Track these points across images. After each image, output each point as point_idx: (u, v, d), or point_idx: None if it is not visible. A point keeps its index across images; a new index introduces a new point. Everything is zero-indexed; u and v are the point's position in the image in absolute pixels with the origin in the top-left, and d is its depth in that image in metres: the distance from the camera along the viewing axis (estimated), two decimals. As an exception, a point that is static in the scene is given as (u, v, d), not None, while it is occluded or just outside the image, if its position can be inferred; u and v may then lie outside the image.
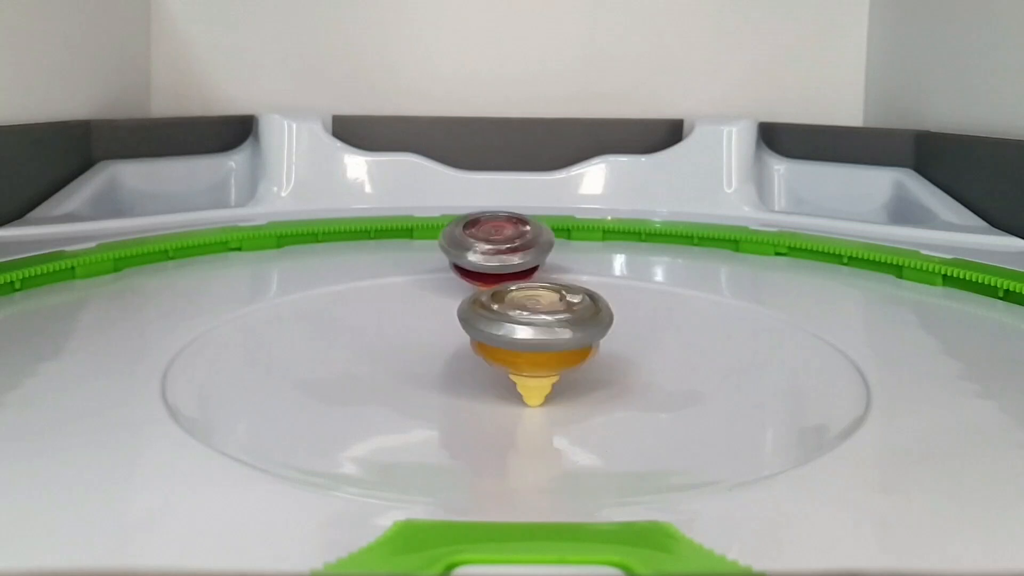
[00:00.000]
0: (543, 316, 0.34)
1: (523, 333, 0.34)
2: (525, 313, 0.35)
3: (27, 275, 0.51)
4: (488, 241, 0.52)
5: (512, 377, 0.36)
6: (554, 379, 0.36)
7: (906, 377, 0.39)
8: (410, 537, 0.23)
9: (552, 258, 0.66)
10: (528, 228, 0.54)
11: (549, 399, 0.36)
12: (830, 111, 0.91)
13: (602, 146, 0.84)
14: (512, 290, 0.38)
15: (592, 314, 0.35)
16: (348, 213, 0.74)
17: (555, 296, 0.37)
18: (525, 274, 0.53)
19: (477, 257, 0.51)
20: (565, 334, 0.34)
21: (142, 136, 0.78)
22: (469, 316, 0.36)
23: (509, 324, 0.34)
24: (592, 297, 0.37)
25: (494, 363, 0.36)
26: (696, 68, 0.93)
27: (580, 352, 0.35)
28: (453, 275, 0.54)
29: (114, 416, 0.33)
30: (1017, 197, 0.65)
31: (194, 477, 0.28)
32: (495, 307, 0.35)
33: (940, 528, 0.25)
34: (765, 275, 0.63)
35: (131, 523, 0.25)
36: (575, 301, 0.36)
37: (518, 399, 0.36)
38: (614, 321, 0.36)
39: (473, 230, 0.54)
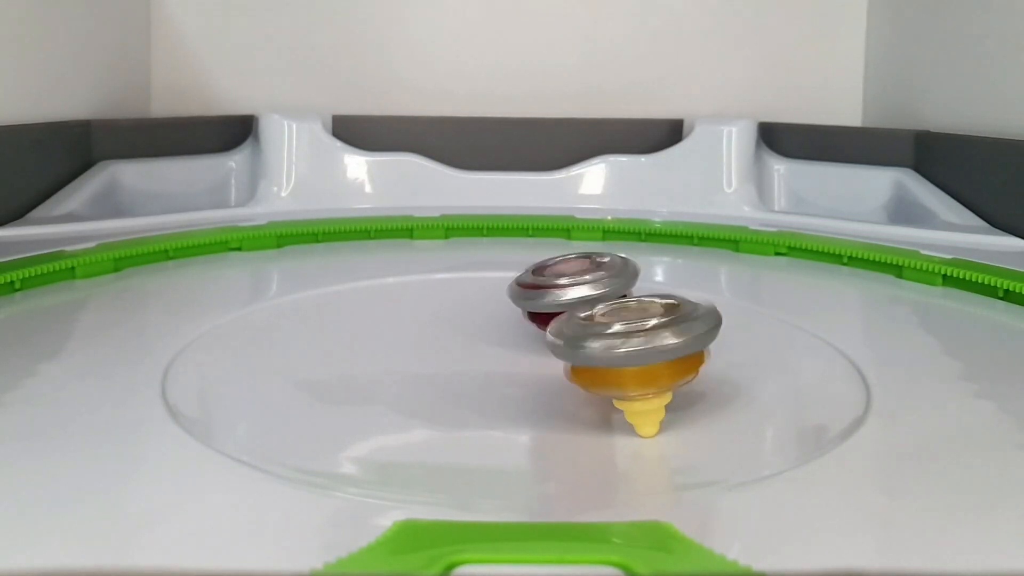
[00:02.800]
0: (645, 322, 0.31)
1: (633, 344, 0.30)
2: (623, 325, 0.30)
3: (27, 275, 0.51)
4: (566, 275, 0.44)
5: (618, 404, 0.32)
6: (667, 398, 0.32)
7: (906, 377, 0.39)
8: (410, 537, 0.23)
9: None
10: (608, 260, 0.46)
11: (550, 400, 0.36)
12: (830, 111, 0.91)
13: (602, 146, 0.84)
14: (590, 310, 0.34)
15: (691, 312, 0.31)
16: (348, 213, 0.74)
17: (634, 303, 0.33)
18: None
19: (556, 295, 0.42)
20: (672, 339, 0.30)
21: (142, 136, 0.78)
22: (566, 336, 0.31)
23: (612, 339, 0.30)
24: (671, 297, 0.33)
25: (596, 390, 0.32)
26: (696, 68, 0.93)
27: (695, 359, 0.31)
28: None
29: (114, 416, 0.33)
30: (1017, 197, 0.65)
31: (194, 477, 0.28)
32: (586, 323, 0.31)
33: (940, 528, 0.25)
34: (765, 275, 0.63)
35: (131, 523, 0.25)
36: (664, 303, 0.32)
37: (518, 399, 0.36)
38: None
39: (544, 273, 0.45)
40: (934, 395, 0.37)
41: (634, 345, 0.30)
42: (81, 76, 0.76)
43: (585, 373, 0.32)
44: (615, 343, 0.30)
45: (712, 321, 0.31)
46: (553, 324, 0.33)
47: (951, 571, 0.23)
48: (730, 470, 0.31)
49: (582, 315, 0.33)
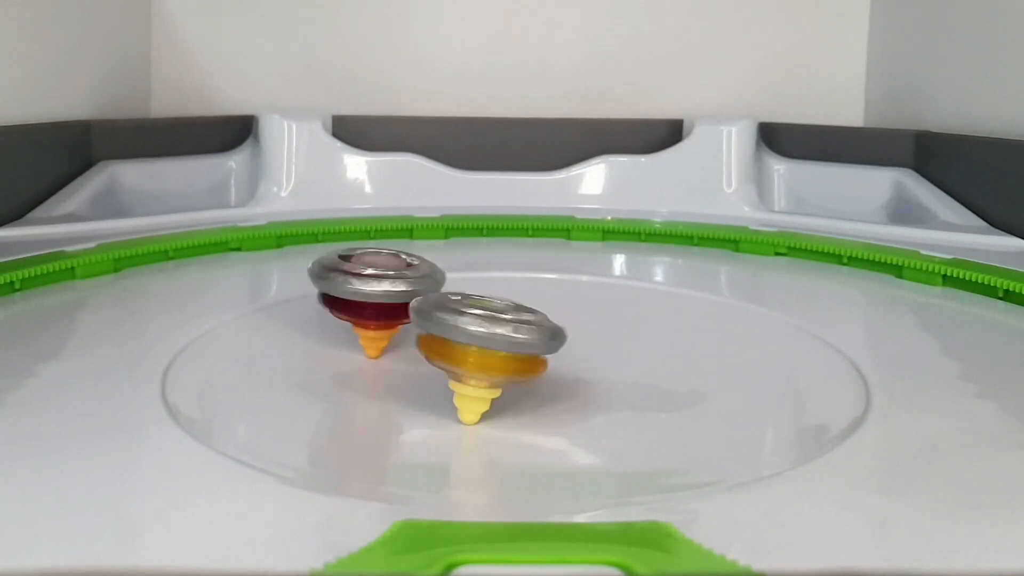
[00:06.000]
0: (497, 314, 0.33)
1: (476, 326, 0.32)
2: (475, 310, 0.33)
3: (27, 275, 0.51)
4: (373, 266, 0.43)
5: (451, 385, 0.34)
6: (496, 393, 0.34)
7: (906, 377, 0.39)
8: (410, 537, 0.23)
9: (553, 258, 0.66)
10: (417, 263, 0.44)
11: (550, 399, 0.36)
12: (830, 111, 0.91)
13: (602, 146, 0.84)
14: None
15: (544, 321, 0.34)
16: (348, 213, 0.74)
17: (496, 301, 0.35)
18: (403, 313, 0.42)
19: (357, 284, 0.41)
20: (520, 335, 0.32)
21: (142, 136, 0.78)
22: (427, 303, 0.34)
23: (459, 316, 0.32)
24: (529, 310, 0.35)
25: (437, 360, 0.33)
26: (696, 68, 0.93)
27: (535, 361, 0.33)
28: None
29: (114, 416, 0.33)
30: (1017, 197, 0.65)
31: (194, 477, 0.28)
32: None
33: (940, 528, 0.25)
34: (765, 275, 0.63)
35: (131, 523, 0.25)
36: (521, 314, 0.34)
37: (518, 399, 0.36)
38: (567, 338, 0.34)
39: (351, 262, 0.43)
40: (934, 395, 0.37)
41: (482, 327, 0.32)
42: (81, 76, 0.76)
43: (431, 342, 0.33)
44: (466, 320, 0.32)
45: (560, 335, 0.34)
46: (424, 296, 0.35)
47: (951, 571, 0.23)
48: (730, 470, 0.31)
49: (453, 295, 0.35)
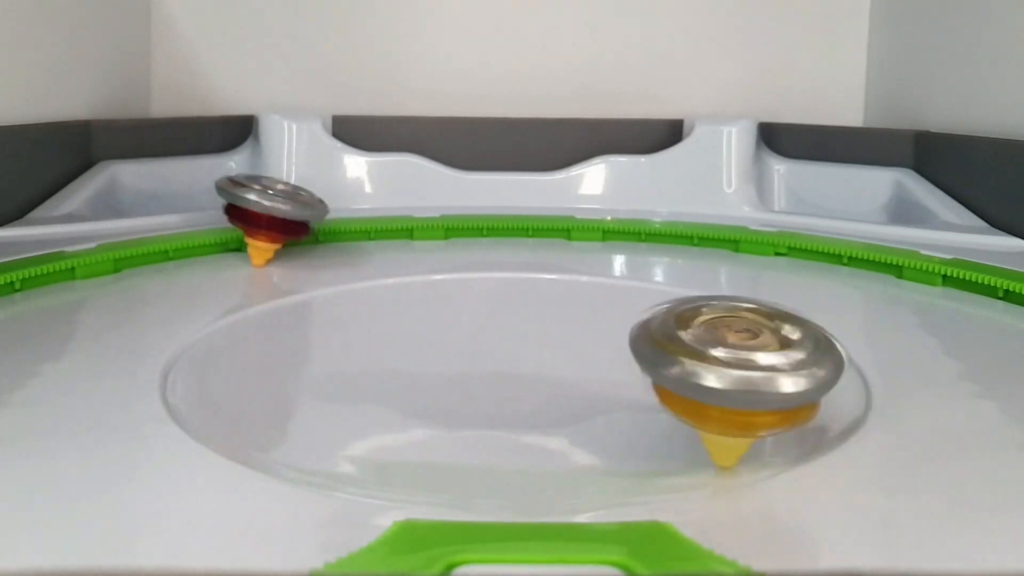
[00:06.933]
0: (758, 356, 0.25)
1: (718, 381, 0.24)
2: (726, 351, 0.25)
3: (27, 275, 0.51)
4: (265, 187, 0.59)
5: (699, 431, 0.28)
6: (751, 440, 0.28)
7: (906, 377, 0.39)
8: (410, 537, 0.23)
9: (553, 258, 0.66)
10: (305, 196, 0.61)
11: (550, 400, 0.36)
12: (830, 111, 0.91)
13: (602, 146, 0.84)
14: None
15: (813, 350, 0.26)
16: (348, 213, 0.74)
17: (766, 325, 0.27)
18: (297, 233, 0.60)
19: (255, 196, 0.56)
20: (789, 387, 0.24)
21: (142, 136, 0.77)
22: (647, 351, 0.26)
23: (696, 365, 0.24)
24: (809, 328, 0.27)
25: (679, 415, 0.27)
26: (696, 68, 0.93)
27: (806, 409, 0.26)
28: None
29: (114, 416, 0.33)
30: (1017, 197, 0.65)
31: (194, 477, 0.28)
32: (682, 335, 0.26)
33: (940, 528, 0.25)
34: (765, 275, 0.63)
35: (131, 523, 0.25)
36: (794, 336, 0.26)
37: (518, 399, 0.36)
38: None
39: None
40: (934, 395, 0.37)
41: (728, 379, 0.24)
42: (81, 76, 0.76)
43: (666, 395, 0.26)
44: (707, 373, 0.24)
45: (837, 367, 0.25)
46: (643, 319, 0.28)
47: (951, 571, 0.23)
48: (730, 470, 0.31)
49: (678, 314, 0.27)
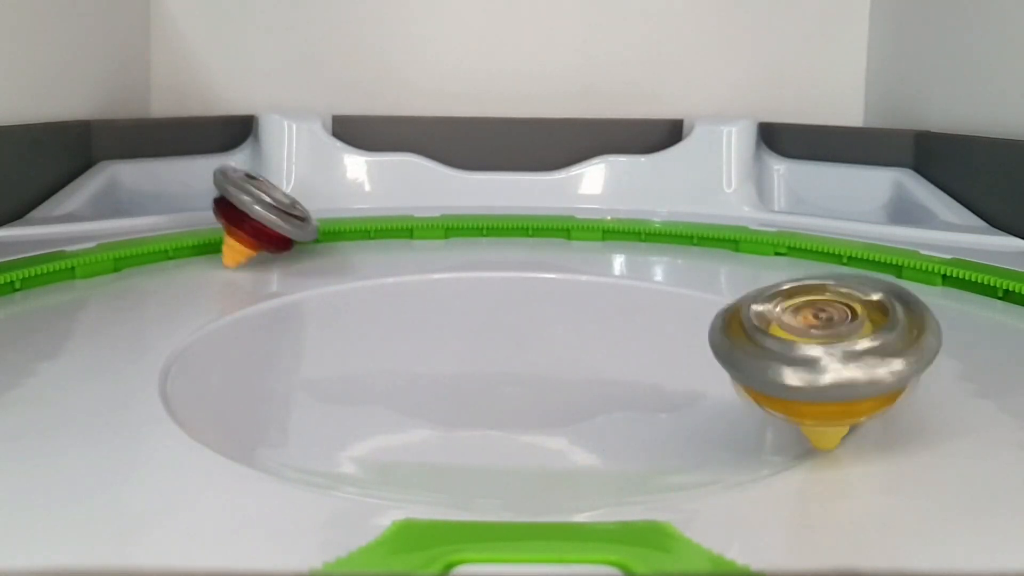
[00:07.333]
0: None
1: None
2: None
3: (27, 275, 0.51)
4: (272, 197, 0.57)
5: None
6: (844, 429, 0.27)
7: (906, 377, 0.39)
8: (409, 537, 0.23)
9: (552, 258, 0.66)
10: (301, 213, 0.59)
11: (550, 400, 0.36)
12: (830, 111, 0.91)
13: (602, 146, 0.84)
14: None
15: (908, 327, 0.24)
16: (348, 213, 0.74)
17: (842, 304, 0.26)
18: (277, 245, 0.58)
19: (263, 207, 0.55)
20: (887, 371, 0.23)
21: (142, 136, 0.77)
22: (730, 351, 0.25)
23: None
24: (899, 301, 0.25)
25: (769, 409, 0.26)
26: (696, 68, 0.93)
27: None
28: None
29: (114, 416, 0.33)
30: (1017, 197, 0.65)
31: (194, 477, 0.28)
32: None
33: (940, 528, 0.25)
34: (765, 275, 0.63)
35: (131, 523, 0.25)
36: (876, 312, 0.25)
37: (518, 399, 0.36)
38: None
39: (257, 181, 0.58)
40: (934, 395, 0.37)
41: (806, 375, 0.23)
42: (81, 76, 0.76)
43: (756, 393, 0.26)
44: (783, 370, 0.23)
45: (935, 335, 0.24)
46: (722, 318, 0.27)
47: (951, 571, 0.23)
48: (730, 470, 0.31)
49: (759, 306, 0.26)
